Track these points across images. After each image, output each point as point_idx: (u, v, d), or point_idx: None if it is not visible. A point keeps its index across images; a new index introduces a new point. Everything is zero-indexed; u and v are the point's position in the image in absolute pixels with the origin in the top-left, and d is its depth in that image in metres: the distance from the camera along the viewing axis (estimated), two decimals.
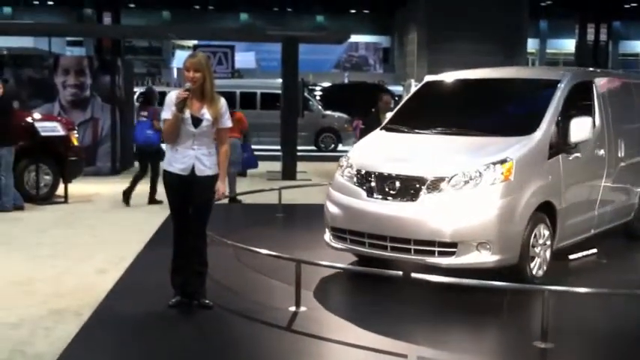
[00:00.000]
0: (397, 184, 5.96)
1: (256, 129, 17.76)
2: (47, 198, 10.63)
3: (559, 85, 6.67)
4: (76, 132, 11.28)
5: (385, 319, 5.31)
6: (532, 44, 41.40)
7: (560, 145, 6.37)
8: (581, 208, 6.78)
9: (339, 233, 6.33)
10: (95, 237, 8.32)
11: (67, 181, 10.75)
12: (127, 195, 10.35)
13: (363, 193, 6.11)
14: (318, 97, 23.96)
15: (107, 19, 31.76)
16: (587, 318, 5.46)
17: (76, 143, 11.07)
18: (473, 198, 5.75)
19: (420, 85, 7.85)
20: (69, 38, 33.88)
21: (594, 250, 7.38)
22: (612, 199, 7.38)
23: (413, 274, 4.97)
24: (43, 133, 10.28)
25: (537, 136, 6.19)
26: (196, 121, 5.24)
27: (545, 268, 6.18)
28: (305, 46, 25.86)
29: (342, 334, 4.96)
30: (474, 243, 5.66)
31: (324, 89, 27.37)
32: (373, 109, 10.10)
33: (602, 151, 7.12)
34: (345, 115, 21.31)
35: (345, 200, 6.26)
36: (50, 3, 41.23)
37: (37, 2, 40.82)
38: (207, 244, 5.55)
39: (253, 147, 16.42)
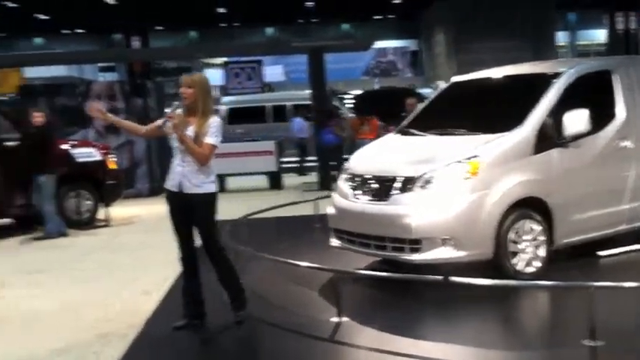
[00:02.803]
0: (375, 184, 6.26)
1: (290, 140, 17.92)
2: (89, 222, 10.83)
3: (554, 80, 6.58)
4: (112, 156, 11.46)
5: (427, 324, 5.32)
6: (563, 37, 40.90)
7: (553, 139, 6.31)
8: (596, 202, 6.59)
9: (337, 233, 6.68)
10: (138, 259, 8.42)
11: (107, 205, 10.94)
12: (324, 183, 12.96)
13: (351, 194, 6.45)
14: (350, 105, 23.96)
15: (136, 43, 32.21)
16: (633, 314, 5.34)
17: (113, 167, 11.25)
18: (438, 195, 5.93)
19: (445, 86, 7.87)
20: (101, 64, 34.45)
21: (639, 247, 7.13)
22: None
23: (452, 278, 4.94)
24: (79, 159, 10.47)
25: (519, 132, 6.22)
26: None
27: (540, 264, 6.09)
28: (333, 55, 25.90)
29: (385, 343, 4.93)
30: (438, 239, 5.79)
31: (355, 97, 27.37)
32: (403, 113, 10.12)
33: (627, 142, 6.86)
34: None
35: (340, 201, 6.63)
36: (80, 31, 41.97)
37: (67, 31, 41.59)
38: (223, 261, 5.45)
39: (289, 159, 16.80)
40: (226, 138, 20.68)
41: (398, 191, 6.08)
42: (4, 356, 5.23)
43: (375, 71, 42.33)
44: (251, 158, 14.29)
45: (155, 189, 14.31)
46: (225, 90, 27.03)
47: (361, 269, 6.61)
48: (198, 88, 5.26)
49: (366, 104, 24.56)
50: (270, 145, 14.53)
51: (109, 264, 8.26)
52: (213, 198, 5.36)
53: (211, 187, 5.35)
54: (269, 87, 29.68)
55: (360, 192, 6.41)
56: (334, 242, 6.75)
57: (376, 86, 33.96)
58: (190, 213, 5.31)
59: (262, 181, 14.82)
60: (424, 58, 41.15)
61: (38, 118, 9.94)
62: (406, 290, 5.97)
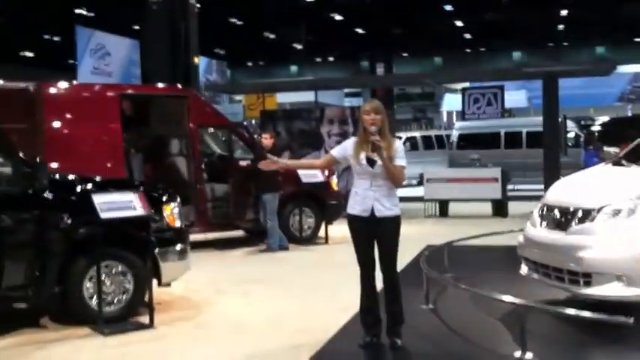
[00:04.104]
0: (558, 214, 6.18)
1: (523, 168, 17.40)
2: (310, 239, 11.43)
3: None
4: (335, 178, 11.99)
5: None
6: None
7: None
8: None
9: (526, 261, 6.59)
10: (346, 276, 8.65)
11: (327, 224, 11.47)
12: None
13: (538, 222, 6.40)
14: (595, 133, 22.68)
15: (380, 70, 33.22)
16: None
17: (335, 188, 11.78)
18: (614, 229, 5.62)
19: None
20: (347, 90, 36.04)
21: None
22: None
23: None
24: (304, 180, 11.12)
25: None
26: (372, 162, 5.38)
27: None
28: (583, 80, 24.37)
29: None
30: (610, 274, 5.47)
31: (602, 124, 25.85)
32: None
33: None
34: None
35: (529, 229, 6.57)
36: (330, 59, 44.38)
37: (319, 59, 44.20)
38: (399, 285, 5.55)
39: (521, 187, 16.25)
40: (454, 163, 20.61)
41: (577, 222, 5.88)
42: (203, 357, 5.73)
43: (631, 97, 39.40)
44: (476, 185, 14.12)
45: None
46: (463, 115, 27.00)
47: (555, 301, 6.34)
48: (384, 114, 5.45)
49: (613, 132, 23.05)
50: (495, 172, 14.25)
51: (319, 279, 8.64)
52: (400, 220, 5.52)
53: (399, 210, 5.51)
54: (509, 112, 28.99)
55: (546, 221, 6.30)
56: (523, 270, 6.67)
57: (629, 113, 31.64)
58: (377, 236, 5.46)
59: (487, 207, 14.54)
60: None
61: (266, 140, 10.75)
62: (597, 328, 5.55)
